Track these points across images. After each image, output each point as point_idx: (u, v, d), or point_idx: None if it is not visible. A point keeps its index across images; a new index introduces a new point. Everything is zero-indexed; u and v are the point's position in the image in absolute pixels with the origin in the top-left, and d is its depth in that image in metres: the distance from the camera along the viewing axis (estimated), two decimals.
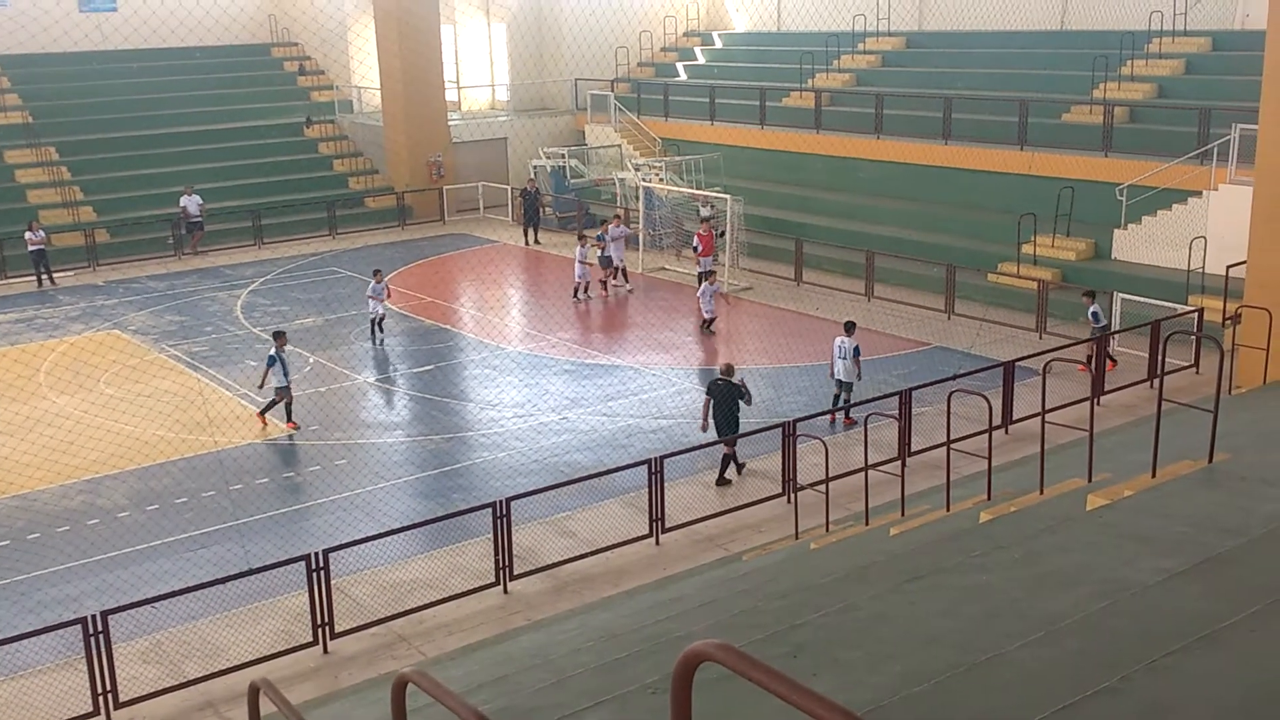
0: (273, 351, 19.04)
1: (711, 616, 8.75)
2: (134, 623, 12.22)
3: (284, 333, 19.81)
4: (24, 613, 13.20)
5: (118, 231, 32.41)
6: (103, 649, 11.36)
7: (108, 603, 12.41)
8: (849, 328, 18.86)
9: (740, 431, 16.55)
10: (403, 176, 37.00)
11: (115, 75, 38.30)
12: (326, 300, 27.35)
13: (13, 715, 11.19)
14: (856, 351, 18.51)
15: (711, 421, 16.78)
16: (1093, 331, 20.37)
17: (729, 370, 16.88)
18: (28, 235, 29.44)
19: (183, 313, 26.71)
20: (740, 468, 16.63)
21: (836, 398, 18.82)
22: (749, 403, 16.72)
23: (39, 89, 36.97)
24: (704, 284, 24.20)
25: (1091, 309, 20.28)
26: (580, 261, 26.75)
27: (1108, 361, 19.95)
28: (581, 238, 27.53)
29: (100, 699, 11.39)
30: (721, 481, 16.40)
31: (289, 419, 19.04)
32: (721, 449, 16.53)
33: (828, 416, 18.42)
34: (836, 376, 18.78)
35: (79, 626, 11.33)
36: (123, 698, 11.50)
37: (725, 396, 16.54)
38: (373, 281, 24.00)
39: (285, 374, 18.94)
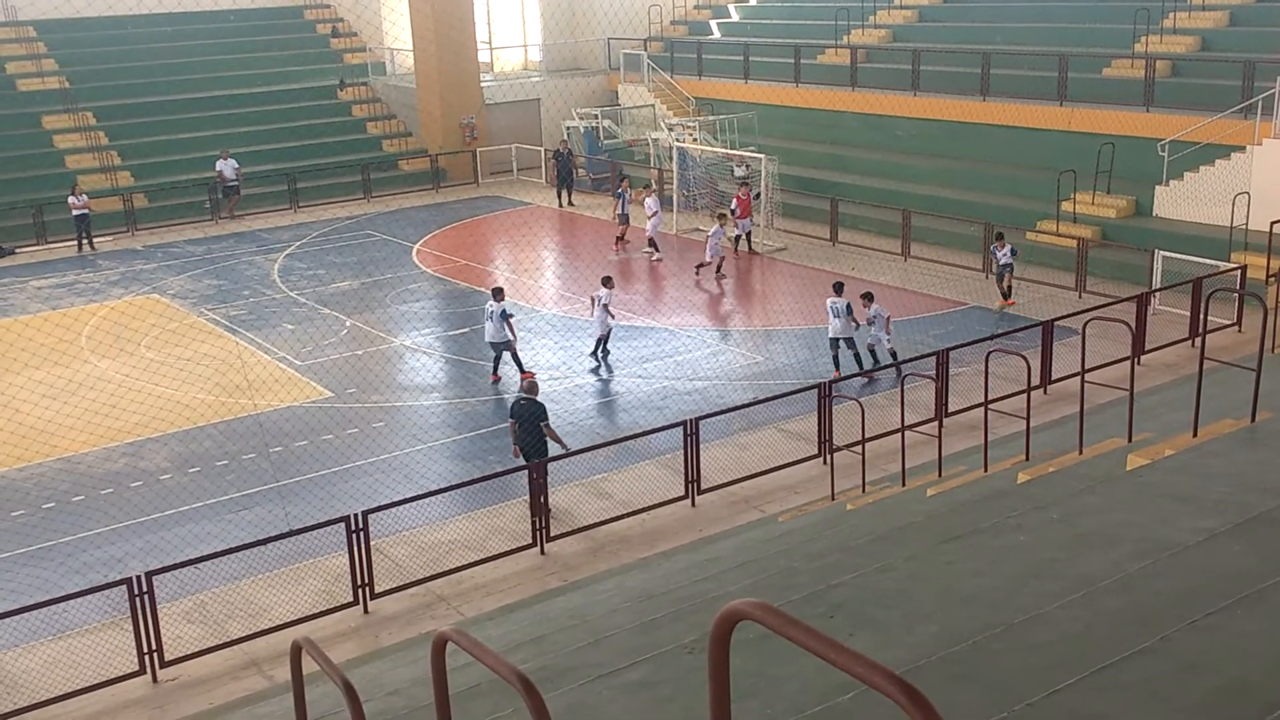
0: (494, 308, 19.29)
1: (748, 577, 8.77)
2: (178, 583, 12.42)
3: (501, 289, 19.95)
4: (70, 574, 13.42)
5: (155, 196, 32.64)
6: (148, 609, 11.55)
7: (152, 563, 12.61)
8: (838, 288, 19.31)
9: (549, 455, 14.75)
10: (436, 139, 36.98)
11: (150, 39, 38.42)
12: (362, 263, 27.47)
13: (61, 674, 11.42)
14: (848, 309, 18.86)
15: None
16: (999, 269, 21.96)
17: (532, 388, 15.24)
18: (71, 200, 29.67)
19: (220, 276, 26.90)
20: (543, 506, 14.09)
21: (835, 358, 19.00)
22: (547, 424, 14.96)
23: (75, 54, 37.18)
24: (715, 225, 23.77)
25: (1005, 249, 21.79)
26: (713, 239, 24.87)
27: (1008, 299, 21.91)
28: (721, 216, 25.88)
29: (146, 658, 11.60)
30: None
31: (520, 369, 18.96)
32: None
33: (862, 378, 18.49)
34: (833, 335, 19.02)
35: (124, 587, 11.53)
36: (168, 657, 11.71)
37: (530, 417, 14.91)
38: (604, 290, 20.44)
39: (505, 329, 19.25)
